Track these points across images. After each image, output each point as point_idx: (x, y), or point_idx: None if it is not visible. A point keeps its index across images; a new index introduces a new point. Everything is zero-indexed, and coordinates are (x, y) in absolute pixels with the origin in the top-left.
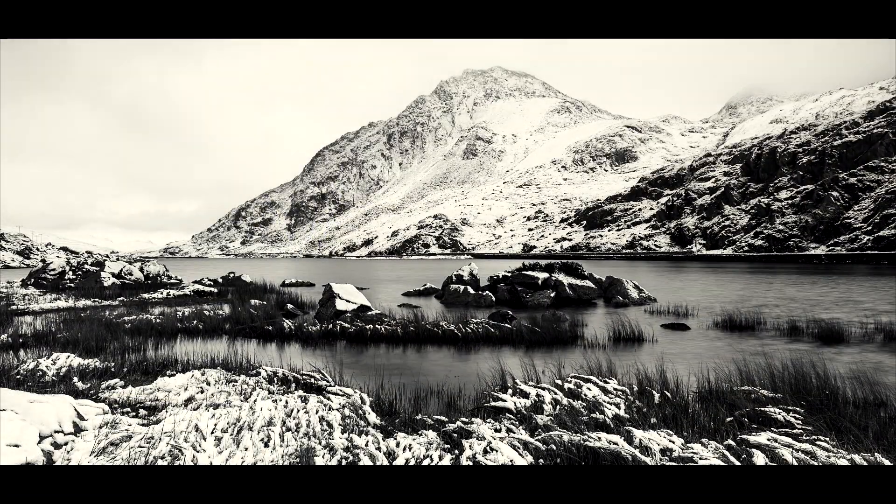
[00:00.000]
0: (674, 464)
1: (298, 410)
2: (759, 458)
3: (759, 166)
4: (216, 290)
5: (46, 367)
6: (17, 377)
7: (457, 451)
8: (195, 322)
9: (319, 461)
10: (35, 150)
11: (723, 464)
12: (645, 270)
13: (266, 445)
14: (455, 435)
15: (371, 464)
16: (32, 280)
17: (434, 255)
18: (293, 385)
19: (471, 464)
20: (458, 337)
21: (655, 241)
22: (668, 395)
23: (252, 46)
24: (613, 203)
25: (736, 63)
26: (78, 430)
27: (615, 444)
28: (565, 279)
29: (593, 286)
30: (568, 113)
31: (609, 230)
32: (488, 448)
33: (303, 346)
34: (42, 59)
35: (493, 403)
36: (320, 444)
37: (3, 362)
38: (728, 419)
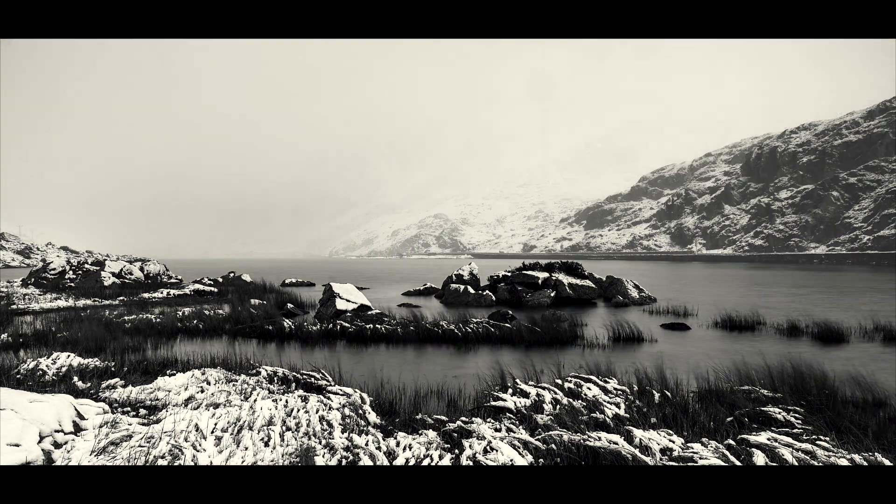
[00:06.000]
0: (674, 464)
1: (298, 410)
2: (759, 458)
3: (759, 166)
4: (216, 290)
5: (46, 366)
6: (18, 377)
7: (457, 451)
8: (195, 322)
9: (319, 461)
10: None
11: (723, 464)
12: (645, 270)
13: (266, 445)
14: (455, 434)
15: (371, 463)
16: (33, 279)
17: (434, 254)
18: (293, 384)
19: (471, 463)
20: (458, 337)
21: (655, 240)
22: (668, 394)
23: (251, 46)
24: (613, 202)
25: (737, 63)
26: (78, 429)
27: (615, 443)
28: (565, 279)
29: (593, 286)
30: None
31: (609, 230)
32: (488, 447)
33: (303, 346)
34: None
35: (493, 403)
36: (320, 443)
37: (3, 362)
38: (728, 419)
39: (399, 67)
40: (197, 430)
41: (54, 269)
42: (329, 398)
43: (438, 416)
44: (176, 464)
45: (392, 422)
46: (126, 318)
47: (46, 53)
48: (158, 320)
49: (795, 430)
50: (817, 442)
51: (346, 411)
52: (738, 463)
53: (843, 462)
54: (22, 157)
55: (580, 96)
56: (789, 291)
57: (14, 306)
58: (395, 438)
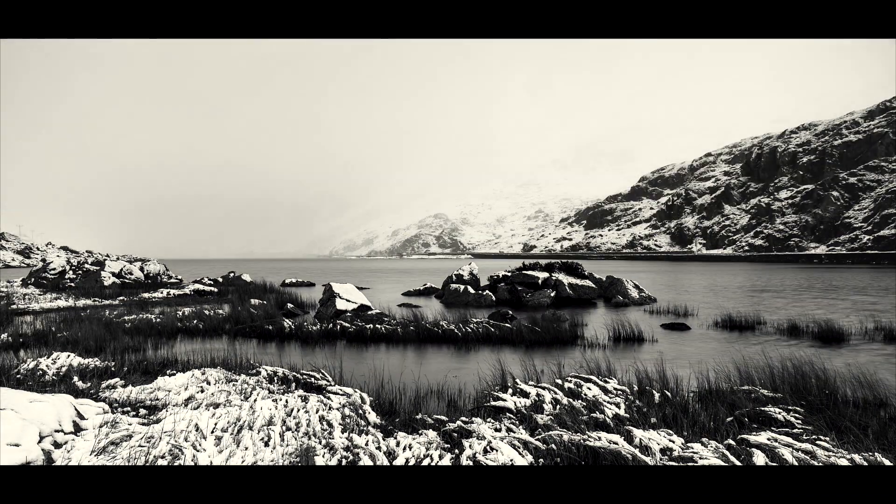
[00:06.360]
0: (674, 464)
1: (298, 410)
2: (759, 458)
3: (759, 166)
4: (216, 290)
5: (46, 366)
6: (18, 376)
7: (457, 451)
8: (195, 322)
9: (319, 460)
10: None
11: (723, 464)
12: (645, 270)
13: (266, 445)
14: (455, 434)
15: (371, 463)
16: (33, 279)
17: (434, 254)
18: (293, 384)
19: (471, 463)
20: (458, 337)
21: (655, 240)
22: (668, 394)
23: (251, 45)
24: (613, 202)
25: (737, 62)
26: (78, 429)
27: (615, 443)
28: (565, 279)
29: (593, 286)
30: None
31: (609, 230)
32: (488, 447)
33: (303, 346)
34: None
35: (493, 403)
36: (320, 443)
37: (3, 362)
38: (728, 419)
39: (399, 67)
40: (197, 430)
41: (54, 268)
42: (329, 398)
43: (438, 416)
44: (176, 464)
45: (392, 422)
46: (126, 318)
47: (46, 53)
48: (158, 320)
49: (795, 430)
50: (817, 442)
51: (346, 411)
52: (738, 463)
53: (843, 462)
54: (22, 157)
55: (581, 96)
56: (789, 291)
57: (14, 306)
58: (395, 438)
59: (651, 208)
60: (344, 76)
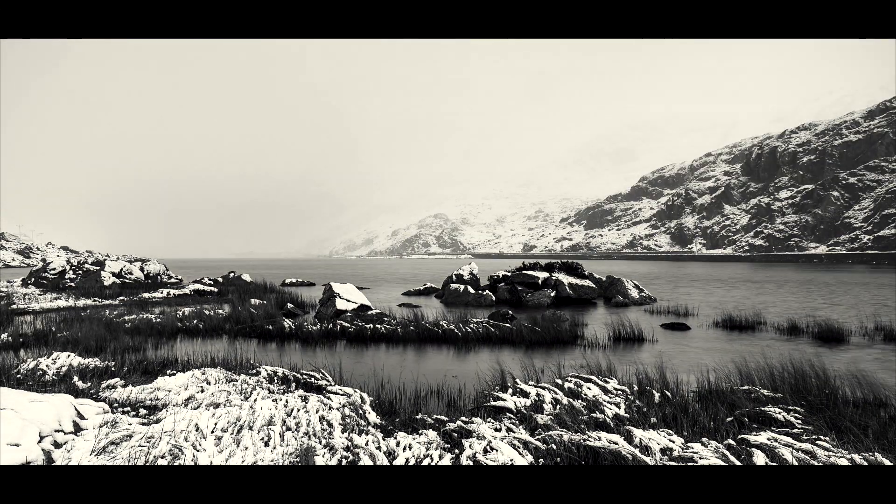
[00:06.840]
0: (674, 464)
1: (298, 410)
2: (759, 458)
3: (759, 166)
4: (216, 290)
5: (47, 366)
6: (18, 376)
7: (457, 451)
8: (195, 322)
9: (320, 460)
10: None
11: (723, 464)
12: (645, 270)
13: (266, 445)
14: (455, 434)
15: (371, 463)
16: (33, 279)
17: (434, 254)
18: (293, 384)
19: (471, 463)
20: (458, 336)
21: (656, 240)
22: (668, 394)
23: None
24: (614, 202)
25: (737, 62)
26: (78, 429)
27: (615, 443)
28: (565, 279)
29: (593, 286)
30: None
31: (609, 230)
32: (488, 447)
33: (303, 346)
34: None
35: (493, 403)
36: (320, 443)
37: (3, 362)
38: (728, 419)
39: (399, 67)
40: (197, 430)
41: (54, 268)
42: (329, 398)
43: (438, 416)
44: (176, 464)
45: (392, 422)
46: (126, 317)
47: (47, 53)
48: (158, 320)
49: (795, 430)
50: (817, 442)
51: (346, 411)
52: (738, 463)
53: (843, 462)
54: (22, 157)
55: (581, 96)
56: (789, 291)
57: (14, 306)
58: (395, 438)
59: (651, 208)
60: (344, 76)
